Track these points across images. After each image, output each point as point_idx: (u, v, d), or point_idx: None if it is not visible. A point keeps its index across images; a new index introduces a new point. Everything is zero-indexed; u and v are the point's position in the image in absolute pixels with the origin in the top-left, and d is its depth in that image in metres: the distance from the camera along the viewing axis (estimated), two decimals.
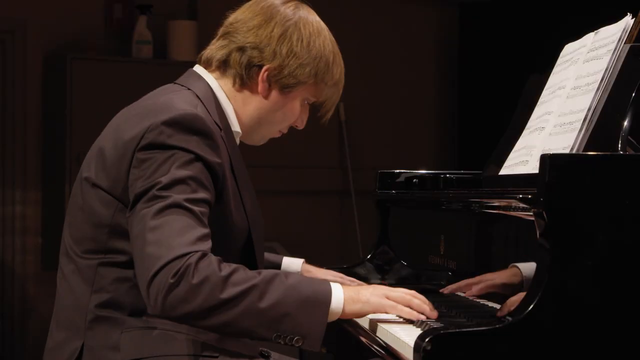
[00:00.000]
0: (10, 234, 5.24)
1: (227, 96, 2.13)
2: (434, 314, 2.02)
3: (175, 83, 2.14)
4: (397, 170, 2.86)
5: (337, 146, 6.07)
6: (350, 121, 6.08)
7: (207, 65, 2.15)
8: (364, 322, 2.21)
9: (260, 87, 2.11)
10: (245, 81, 2.12)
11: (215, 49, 2.15)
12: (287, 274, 1.91)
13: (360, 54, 5.97)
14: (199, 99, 2.05)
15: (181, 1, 5.65)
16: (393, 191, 2.84)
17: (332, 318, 1.91)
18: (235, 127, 2.14)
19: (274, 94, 2.12)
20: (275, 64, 2.10)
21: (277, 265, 2.52)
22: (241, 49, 2.10)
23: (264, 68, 2.10)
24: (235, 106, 2.14)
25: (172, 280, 1.78)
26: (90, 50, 5.23)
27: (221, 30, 2.16)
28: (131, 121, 1.99)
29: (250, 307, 1.83)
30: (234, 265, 1.86)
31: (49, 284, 5.11)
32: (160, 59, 5.36)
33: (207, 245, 1.86)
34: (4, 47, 5.24)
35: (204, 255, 1.82)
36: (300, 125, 2.24)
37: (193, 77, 2.14)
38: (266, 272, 1.88)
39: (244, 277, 1.85)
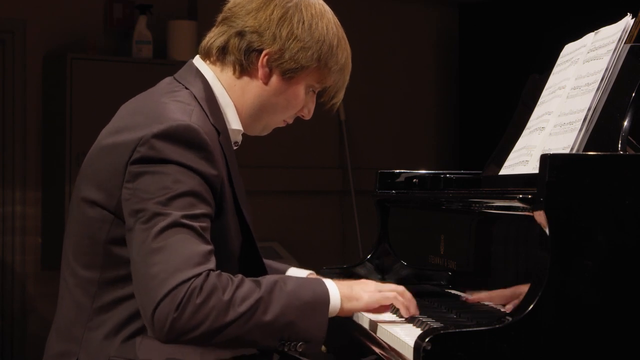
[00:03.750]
0: (10, 234, 5.24)
1: (226, 91, 2.05)
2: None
3: (174, 78, 2.08)
4: (397, 170, 2.86)
5: (337, 146, 6.08)
6: (350, 121, 6.08)
7: (207, 56, 2.08)
8: (364, 322, 2.21)
9: (260, 73, 2.03)
10: (245, 67, 2.03)
11: (214, 37, 2.07)
12: (284, 278, 1.89)
13: (360, 54, 5.95)
14: (197, 100, 1.99)
15: (181, 1, 5.66)
16: (393, 191, 2.84)
17: (331, 315, 1.91)
18: (235, 124, 2.07)
19: (275, 79, 2.04)
20: (275, 48, 2.01)
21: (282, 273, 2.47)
22: (240, 34, 2.02)
23: (264, 52, 2.01)
24: (235, 97, 2.06)
25: (175, 315, 1.74)
26: (90, 50, 5.23)
27: (220, 17, 2.09)
28: (126, 129, 1.93)
29: (255, 323, 1.81)
30: (236, 281, 1.83)
31: (49, 283, 5.14)
32: (160, 59, 5.36)
33: (211, 263, 1.82)
34: (4, 47, 5.24)
35: (207, 276, 1.78)
36: (307, 116, 2.14)
37: (192, 73, 2.06)
38: (266, 282, 1.86)
39: (247, 292, 1.82)
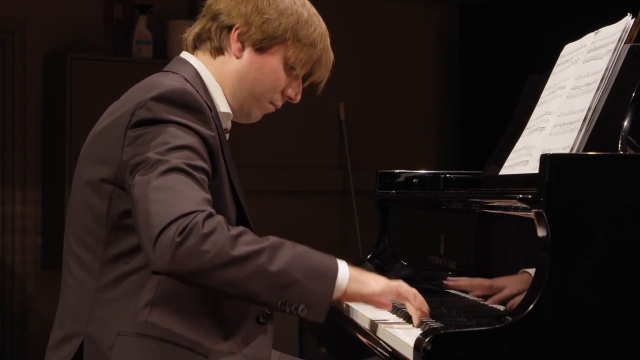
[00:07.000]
0: (10, 234, 5.24)
1: (213, 77, 2.14)
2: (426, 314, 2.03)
3: (162, 70, 2.14)
4: (397, 170, 2.86)
5: (337, 146, 6.08)
6: (350, 121, 6.08)
7: (191, 49, 2.18)
8: (364, 322, 2.21)
9: (233, 48, 2.13)
10: (220, 47, 2.14)
11: (192, 28, 2.19)
12: (294, 243, 1.90)
13: (360, 54, 5.98)
14: (187, 81, 2.05)
15: (181, 1, 5.66)
16: (393, 191, 2.85)
17: (336, 293, 1.90)
18: (224, 108, 2.13)
19: (248, 52, 2.13)
20: (242, 22, 2.11)
21: None
22: (213, 18, 2.14)
23: (234, 28, 2.12)
24: (217, 76, 2.13)
25: (178, 239, 1.74)
26: (90, 50, 5.23)
27: (199, 15, 2.20)
28: (122, 107, 1.99)
29: (259, 268, 1.81)
30: (241, 227, 1.85)
31: (49, 283, 5.14)
32: (160, 59, 5.35)
33: (212, 209, 1.83)
34: (4, 47, 5.24)
35: (211, 214, 1.80)
36: (294, 98, 2.20)
37: (179, 62, 2.15)
38: (274, 238, 1.87)
39: (252, 238, 1.83)
